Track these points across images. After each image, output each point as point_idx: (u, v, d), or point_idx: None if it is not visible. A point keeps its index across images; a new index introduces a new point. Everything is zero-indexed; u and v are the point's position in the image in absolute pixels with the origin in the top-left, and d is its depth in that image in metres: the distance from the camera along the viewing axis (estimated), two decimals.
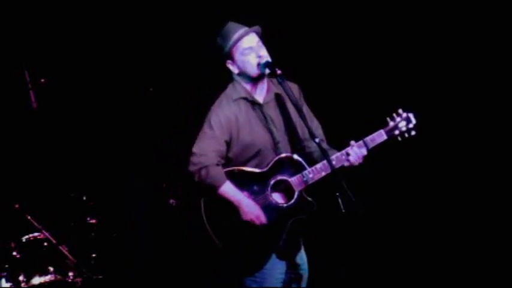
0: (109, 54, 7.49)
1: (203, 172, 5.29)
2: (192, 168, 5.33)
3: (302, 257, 5.51)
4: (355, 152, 5.30)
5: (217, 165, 5.32)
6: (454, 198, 7.31)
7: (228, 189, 5.30)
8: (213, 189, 5.29)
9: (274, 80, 5.49)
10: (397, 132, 5.35)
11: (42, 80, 7.20)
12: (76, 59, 7.48)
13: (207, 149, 5.33)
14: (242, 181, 5.33)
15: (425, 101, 6.90)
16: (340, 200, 5.12)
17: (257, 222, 5.29)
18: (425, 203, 7.37)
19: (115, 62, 7.50)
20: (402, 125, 5.36)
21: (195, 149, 5.35)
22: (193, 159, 5.33)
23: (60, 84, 7.39)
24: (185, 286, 7.27)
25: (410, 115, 5.37)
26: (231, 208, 5.31)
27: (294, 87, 5.47)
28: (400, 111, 5.37)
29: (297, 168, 5.35)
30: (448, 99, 7.23)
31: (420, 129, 5.34)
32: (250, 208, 5.29)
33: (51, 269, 6.65)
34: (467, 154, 7.28)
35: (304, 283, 5.51)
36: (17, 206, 6.71)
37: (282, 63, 5.34)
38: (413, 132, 5.36)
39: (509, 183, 7.20)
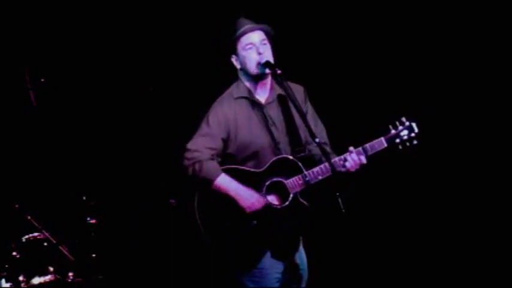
0: (109, 53, 7.48)
1: (197, 166, 5.29)
2: (185, 163, 5.33)
3: (301, 257, 5.51)
4: (353, 159, 5.28)
5: (212, 160, 5.32)
6: (453, 200, 7.31)
7: (224, 180, 5.29)
8: (207, 183, 5.29)
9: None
10: (398, 140, 5.32)
11: (42, 79, 7.19)
12: (76, 58, 7.47)
13: (201, 145, 5.33)
14: (237, 179, 5.32)
15: (431, 108, 6.88)
16: (340, 200, 5.12)
17: (259, 205, 5.28)
18: (425, 205, 7.37)
19: (115, 61, 7.49)
20: (404, 133, 5.33)
21: (189, 145, 5.36)
22: (187, 154, 5.34)
23: (60, 83, 7.39)
24: (185, 286, 7.27)
25: (413, 124, 5.33)
26: (224, 205, 5.31)
27: (299, 89, 5.47)
28: (403, 119, 5.34)
29: (294, 171, 5.34)
30: (452, 107, 7.22)
31: (423, 137, 5.32)
32: (248, 194, 5.29)
33: (51, 269, 6.65)
34: (467, 159, 7.28)
35: (303, 283, 5.51)
36: (17, 206, 6.71)
37: (286, 66, 5.32)
38: (415, 142, 5.32)
39: (507, 185, 7.21)
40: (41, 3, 7.36)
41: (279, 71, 5.30)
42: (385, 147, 5.32)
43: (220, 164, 5.36)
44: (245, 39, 5.38)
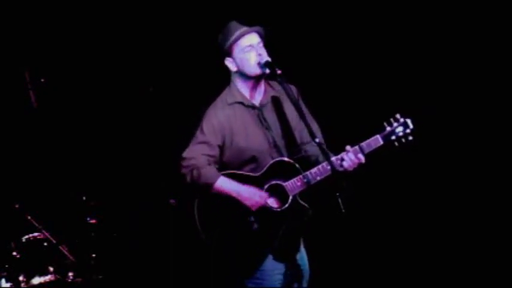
0: (109, 54, 7.49)
1: (195, 173, 5.28)
2: (183, 171, 5.32)
3: (303, 258, 5.50)
4: (350, 158, 5.25)
5: (209, 165, 5.32)
6: (453, 200, 7.31)
7: (223, 182, 5.28)
8: (207, 187, 5.28)
9: (272, 82, 5.48)
10: (393, 137, 5.30)
11: (42, 80, 7.20)
12: (76, 58, 7.47)
13: (196, 152, 5.31)
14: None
15: (424, 106, 6.88)
16: (340, 200, 5.11)
17: (262, 202, 5.27)
18: (425, 204, 7.37)
19: (115, 61, 7.49)
20: (399, 130, 5.31)
21: (184, 154, 5.35)
22: (184, 163, 5.33)
23: (60, 83, 7.39)
24: (185, 286, 7.27)
25: (408, 120, 5.31)
26: (224, 208, 5.30)
27: (292, 89, 5.45)
28: (398, 116, 5.32)
29: (292, 172, 5.33)
30: (447, 104, 7.21)
31: (422, 137, 5.31)
32: (250, 192, 5.28)
33: (51, 269, 6.65)
34: (466, 159, 7.28)
35: (305, 283, 5.50)
36: (17, 206, 6.71)
37: (280, 65, 5.32)
38: (410, 138, 5.30)
39: (506, 185, 7.21)
40: (41, 3, 7.36)
41: (279, 71, 5.30)
42: (381, 145, 5.32)
43: (218, 170, 5.34)
44: (244, 42, 5.36)
